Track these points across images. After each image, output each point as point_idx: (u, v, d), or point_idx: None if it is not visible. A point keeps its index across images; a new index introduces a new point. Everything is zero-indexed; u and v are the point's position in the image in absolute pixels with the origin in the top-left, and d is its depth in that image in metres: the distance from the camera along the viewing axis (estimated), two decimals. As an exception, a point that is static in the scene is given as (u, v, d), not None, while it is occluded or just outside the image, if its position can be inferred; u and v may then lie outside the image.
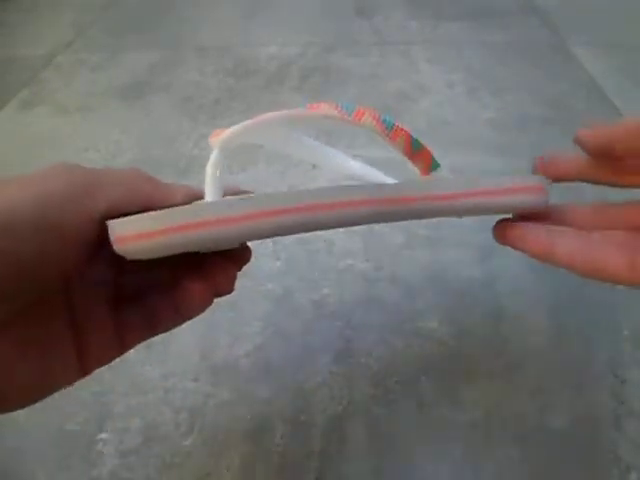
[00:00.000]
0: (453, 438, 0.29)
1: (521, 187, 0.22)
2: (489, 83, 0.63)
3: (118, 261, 0.19)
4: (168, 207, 0.18)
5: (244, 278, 0.40)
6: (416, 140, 0.22)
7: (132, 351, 0.21)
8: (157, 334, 0.23)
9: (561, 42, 0.72)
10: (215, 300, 0.22)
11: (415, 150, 0.22)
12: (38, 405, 0.18)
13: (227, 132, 0.22)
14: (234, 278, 0.23)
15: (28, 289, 0.17)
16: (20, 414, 0.30)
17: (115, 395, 0.32)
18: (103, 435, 0.30)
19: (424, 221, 0.41)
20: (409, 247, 0.41)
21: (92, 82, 0.68)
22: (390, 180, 0.25)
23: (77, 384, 0.20)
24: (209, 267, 0.22)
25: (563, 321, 0.35)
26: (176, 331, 0.21)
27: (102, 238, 0.18)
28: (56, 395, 0.19)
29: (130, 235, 0.18)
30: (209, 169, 0.21)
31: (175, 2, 0.92)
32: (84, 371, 0.20)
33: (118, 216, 0.18)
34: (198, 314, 0.23)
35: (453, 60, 0.69)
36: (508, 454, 0.29)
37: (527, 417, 0.30)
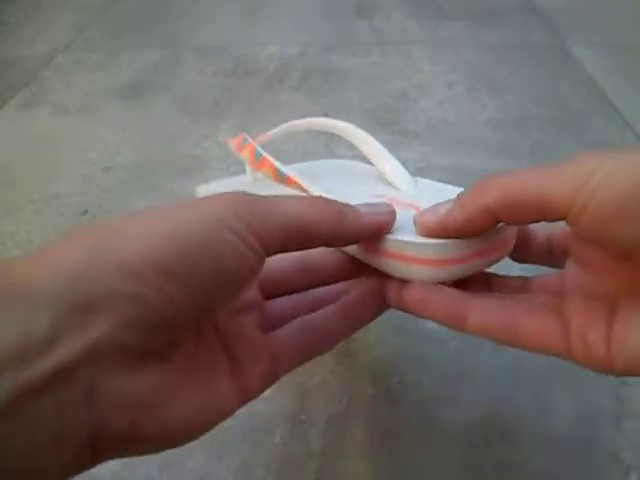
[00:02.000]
0: (453, 438, 0.29)
1: (419, 258, 0.19)
2: (489, 83, 0.63)
3: (266, 283, 0.21)
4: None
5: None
6: (280, 171, 0.25)
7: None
8: (320, 352, 0.21)
9: (561, 42, 0.72)
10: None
11: (283, 179, 0.25)
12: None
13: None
14: None
15: (203, 312, 0.16)
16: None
17: (115, 395, 0.32)
18: (103, 435, 0.30)
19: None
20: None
21: (92, 82, 0.68)
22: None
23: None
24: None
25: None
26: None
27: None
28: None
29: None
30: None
31: (175, 2, 0.92)
32: (245, 396, 0.18)
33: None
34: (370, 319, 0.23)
35: (453, 60, 0.69)
36: (508, 454, 0.29)
37: (527, 417, 0.30)
